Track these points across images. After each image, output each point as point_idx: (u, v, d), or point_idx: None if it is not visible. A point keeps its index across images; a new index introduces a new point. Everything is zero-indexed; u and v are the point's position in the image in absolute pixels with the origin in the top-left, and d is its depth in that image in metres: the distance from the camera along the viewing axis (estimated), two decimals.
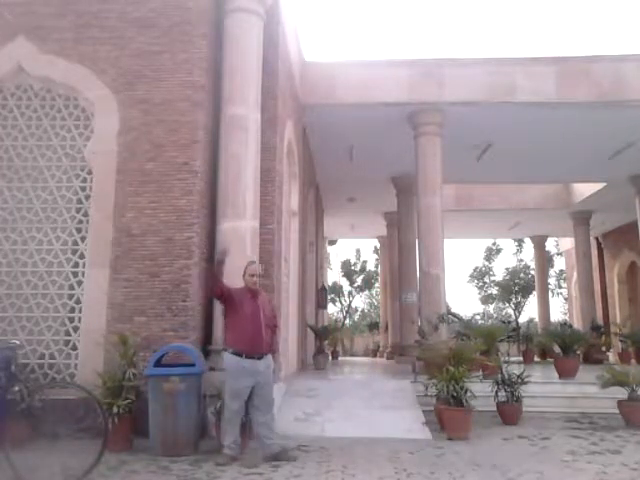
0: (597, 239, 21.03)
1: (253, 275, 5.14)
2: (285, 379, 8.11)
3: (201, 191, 6.34)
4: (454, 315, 11.67)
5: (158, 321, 5.99)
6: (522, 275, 28.33)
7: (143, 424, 5.28)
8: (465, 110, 10.27)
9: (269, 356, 5.12)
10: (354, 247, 39.11)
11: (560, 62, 10.18)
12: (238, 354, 4.91)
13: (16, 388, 4.29)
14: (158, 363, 5.42)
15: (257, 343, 4.98)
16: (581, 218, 17.69)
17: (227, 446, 4.92)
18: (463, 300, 73.91)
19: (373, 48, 60.38)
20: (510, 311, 29.45)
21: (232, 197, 6.46)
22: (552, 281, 29.49)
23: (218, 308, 6.28)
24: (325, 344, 13.49)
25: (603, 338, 14.49)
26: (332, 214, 17.96)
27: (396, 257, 15.87)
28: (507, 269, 29.36)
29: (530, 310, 48.79)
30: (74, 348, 6.14)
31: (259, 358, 4.98)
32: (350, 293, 31.18)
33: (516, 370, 7.50)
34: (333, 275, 31.25)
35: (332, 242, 24.67)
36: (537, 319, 22.84)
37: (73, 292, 6.28)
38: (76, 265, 6.33)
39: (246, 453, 5.21)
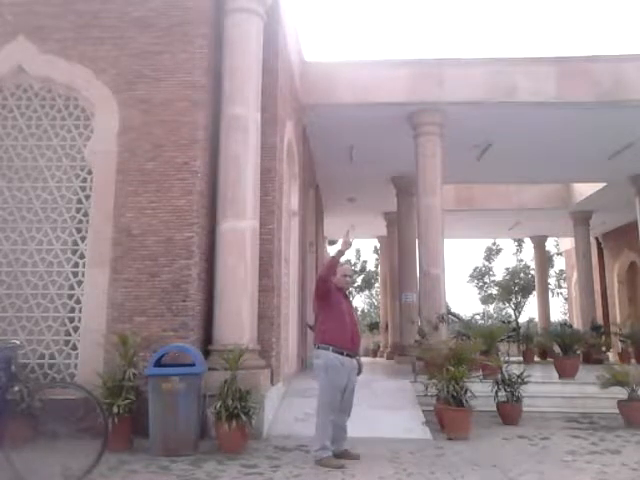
0: (597, 239, 21.03)
1: (346, 275, 5.21)
2: (285, 379, 8.11)
3: (201, 191, 6.34)
4: (454, 315, 11.68)
5: (158, 321, 5.98)
6: (522, 275, 28.35)
7: (143, 424, 5.28)
8: (465, 110, 10.27)
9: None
10: (354, 247, 39.12)
11: (560, 62, 10.17)
12: (339, 352, 4.92)
13: (16, 388, 4.28)
14: (158, 363, 5.42)
15: (355, 342, 5.07)
16: (581, 218, 17.68)
17: (325, 447, 4.82)
18: (463, 300, 73.93)
19: (373, 48, 60.42)
20: (510, 311, 29.46)
21: (232, 197, 6.46)
22: (552, 281, 29.50)
23: (218, 308, 6.29)
24: None
25: (603, 338, 14.48)
26: (332, 214, 17.96)
27: (396, 257, 15.88)
28: (507, 269, 29.37)
29: (530, 310, 48.84)
30: (74, 348, 6.14)
31: (353, 357, 5.05)
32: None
33: (516, 370, 7.51)
34: None
35: (332, 242, 24.66)
36: (537, 319, 22.85)
37: (73, 292, 6.28)
38: (76, 265, 6.33)
39: (245, 452, 5.21)
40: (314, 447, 4.91)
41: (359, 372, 5.22)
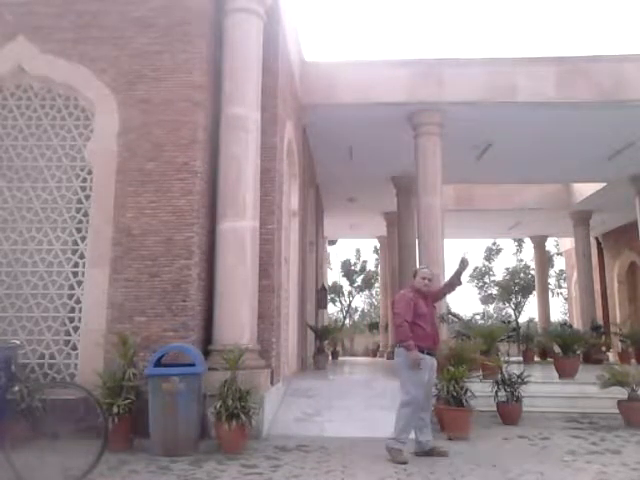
0: (597, 239, 21.02)
1: (425, 278, 5.51)
2: (285, 379, 8.11)
3: (201, 191, 6.34)
4: (454, 315, 11.67)
5: (158, 321, 5.98)
6: (522, 275, 28.34)
7: (143, 424, 5.28)
8: (465, 110, 10.26)
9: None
10: (354, 247, 39.13)
11: (560, 62, 10.16)
12: (420, 350, 5.18)
13: (16, 388, 4.28)
14: (158, 363, 5.42)
15: (435, 340, 5.42)
16: (581, 218, 17.67)
17: (399, 440, 5.10)
18: (463, 300, 73.87)
19: (373, 48, 60.42)
20: (510, 311, 29.45)
21: (232, 197, 6.46)
22: (552, 281, 29.49)
23: (218, 308, 6.29)
24: (325, 344, 13.50)
25: (603, 338, 14.49)
26: (332, 214, 17.96)
27: (396, 257, 15.87)
28: (507, 269, 29.37)
29: (530, 310, 48.79)
30: (74, 348, 6.14)
31: (433, 355, 5.38)
32: (350, 293, 31.20)
33: (516, 370, 7.51)
34: (333, 275, 31.27)
35: (332, 242, 24.67)
36: (537, 319, 22.84)
37: (73, 292, 6.28)
38: (76, 265, 6.33)
39: (245, 452, 5.22)
40: (391, 435, 5.16)
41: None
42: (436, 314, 5.52)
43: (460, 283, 5.54)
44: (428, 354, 5.25)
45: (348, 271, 30.62)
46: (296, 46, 9.61)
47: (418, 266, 5.87)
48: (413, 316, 5.24)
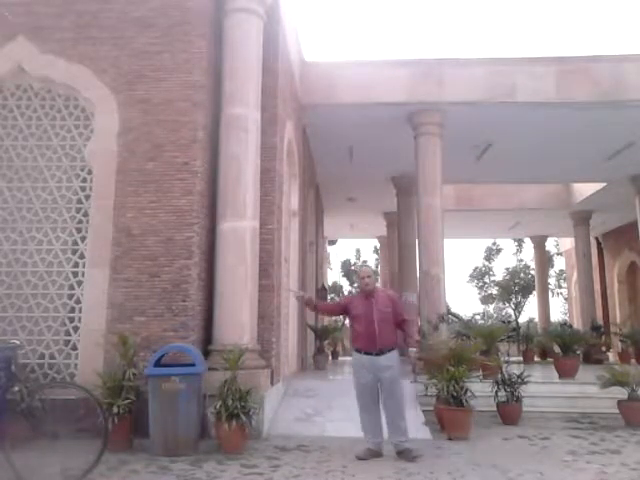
0: (597, 239, 21.01)
1: (363, 278, 5.42)
2: (285, 379, 8.11)
3: (201, 191, 6.34)
4: (454, 315, 11.67)
5: (158, 321, 5.98)
6: (522, 275, 28.30)
7: (143, 424, 5.28)
8: (465, 110, 10.26)
9: (392, 352, 5.25)
10: (354, 247, 39.13)
11: (560, 62, 10.16)
12: (358, 351, 5.31)
13: (16, 388, 4.28)
14: (158, 363, 5.42)
15: (371, 340, 5.21)
16: (581, 218, 17.67)
17: (365, 438, 5.32)
18: (463, 300, 73.91)
19: (373, 48, 60.42)
20: (510, 311, 29.42)
21: (232, 197, 6.46)
22: (552, 281, 29.47)
23: (218, 308, 6.29)
24: (325, 344, 13.49)
25: (603, 338, 14.48)
26: (332, 214, 17.96)
27: (396, 257, 15.88)
28: (507, 269, 29.34)
29: (530, 310, 48.81)
30: (74, 348, 6.14)
31: (377, 354, 5.19)
32: (350, 293, 31.16)
33: (516, 370, 7.50)
34: (333, 275, 31.26)
35: (332, 242, 24.66)
36: (537, 319, 22.83)
37: (73, 292, 6.28)
38: (76, 265, 6.33)
39: (245, 452, 5.22)
40: None
41: (413, 369, 5.71)
42: (382, 313, 5.21)
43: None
44: (367, 354, 5.18)
45: (348, 271, 30.61)
46: (296, 46, 9.61)
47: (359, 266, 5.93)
48: (353, 322, 5.37)
